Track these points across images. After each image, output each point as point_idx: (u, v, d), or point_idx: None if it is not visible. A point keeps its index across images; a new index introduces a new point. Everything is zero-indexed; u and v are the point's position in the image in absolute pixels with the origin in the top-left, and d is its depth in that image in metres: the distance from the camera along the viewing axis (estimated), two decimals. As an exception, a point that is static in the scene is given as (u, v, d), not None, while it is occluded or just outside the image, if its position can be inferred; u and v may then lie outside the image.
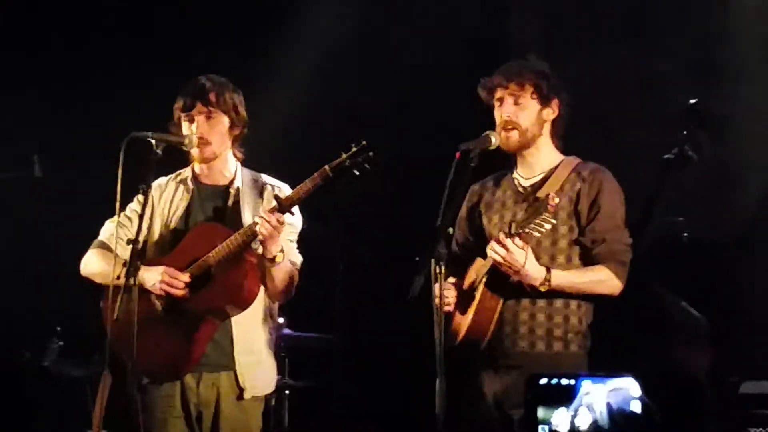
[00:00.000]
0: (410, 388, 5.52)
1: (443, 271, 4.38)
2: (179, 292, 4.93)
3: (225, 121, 5.08)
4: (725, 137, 5.83)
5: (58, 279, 6.56)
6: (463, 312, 4.89)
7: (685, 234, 5.91)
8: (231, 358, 5.00)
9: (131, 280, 4.59)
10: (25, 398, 6.97)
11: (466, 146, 4.64)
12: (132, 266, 4.61)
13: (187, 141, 5.00)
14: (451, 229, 4.61)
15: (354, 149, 4.77)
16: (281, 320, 6.37)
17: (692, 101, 5.44)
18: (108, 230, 5.17)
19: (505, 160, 5.07)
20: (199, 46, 7.33)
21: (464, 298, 4.91)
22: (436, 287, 4.38)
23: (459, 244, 5.12)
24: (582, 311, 4.88)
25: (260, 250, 4.91)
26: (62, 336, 6.95)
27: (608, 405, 3.99)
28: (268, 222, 4.78)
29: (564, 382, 4.08)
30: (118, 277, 4.65)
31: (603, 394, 4.00)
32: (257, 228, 4.81)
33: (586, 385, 4.03)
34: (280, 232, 4.82)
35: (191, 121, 5.05)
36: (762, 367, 5.11)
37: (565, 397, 4.04)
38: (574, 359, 4.84)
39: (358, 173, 4.78)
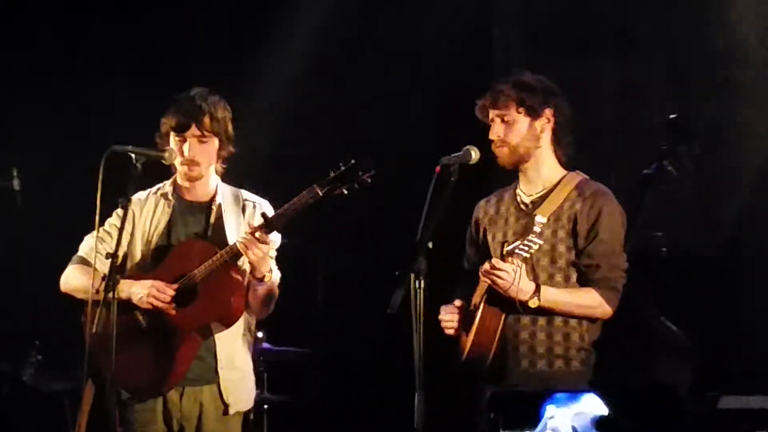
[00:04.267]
0: (390, 402, 5.50)
1: (422, 285, 4.38)
2: (165, 306, 4.91)
3: (216, 143, 5.06)
4: (706, 151, 5.85)
5: (37, 292, 6.51)
6: (467, 331, 4.88)
7: (665, 249, 5.92)
8: (214, 373, 4.99)
9: (110, 295, 4.57)
10: (2, 412, 6.92)
11: (447, 160, 4.63)
12: (111, 280, 4.60)
13: (167, 155, 4.97)
14: (430, 243, 4.59)
15: (343, 168, 4.76)
16: (260, 334, 6.36)
17: (672, 116, 5.45)
18: (87, 245, 5.13)
19: (505, 176, 5.08)
20: (183, 60, 7.33)
21: (468, 318, 4.90)
22: (416, 302, 4.38)
23: (470, 261, 5.10)
24: (584, 328, 4.86)
25: (247, 267, 4.90)
26: (41, 350, 6.91)
27: (573, 429, 3.99)
28: (251, 242, 4.78)
29: (526, 399, 4.08)
30: (98, 291, 4.64)
31: (568, 418, 3.99)
32: (249, 256, 4.80)
33: (551, 409, 4.02)
34: (265, 251, 4.82)
35: (183, 141, 5.01)
36: (741, 382, 5.11)
37: (530, 419, 4.03)
38: (577, 377, 4.81)
39: (346, 192, 4.78)
